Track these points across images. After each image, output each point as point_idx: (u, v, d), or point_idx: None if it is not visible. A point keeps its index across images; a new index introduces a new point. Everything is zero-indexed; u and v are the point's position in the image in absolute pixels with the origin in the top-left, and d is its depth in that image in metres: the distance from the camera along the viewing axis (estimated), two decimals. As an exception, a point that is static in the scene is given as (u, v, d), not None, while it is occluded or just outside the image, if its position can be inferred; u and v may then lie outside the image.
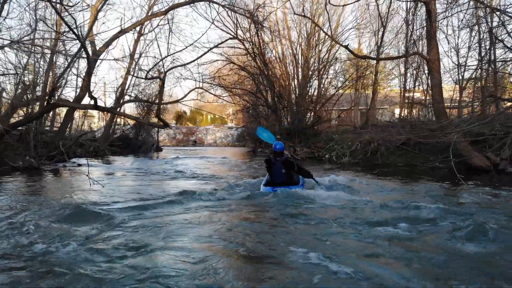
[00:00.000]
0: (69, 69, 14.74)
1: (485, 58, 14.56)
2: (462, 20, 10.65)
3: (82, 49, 14.17)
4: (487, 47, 14.22)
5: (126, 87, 20.55)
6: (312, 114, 21.15)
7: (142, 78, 11.66)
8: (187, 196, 5.47)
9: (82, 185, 7.01)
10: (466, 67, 15.58)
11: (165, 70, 11.66)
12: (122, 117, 20.04)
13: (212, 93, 15.65)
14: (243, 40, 19.10)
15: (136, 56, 19.45)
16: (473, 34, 15.21)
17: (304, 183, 6.24)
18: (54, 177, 9.27)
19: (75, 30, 6.34)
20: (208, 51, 13.87)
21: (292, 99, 21.24)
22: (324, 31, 11.43)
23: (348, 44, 9.05)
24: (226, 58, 20.13)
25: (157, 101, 19.57)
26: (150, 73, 15.04)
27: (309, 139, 17.32)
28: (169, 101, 16.59)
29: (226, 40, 14.91)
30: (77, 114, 22.62)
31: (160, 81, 11.28)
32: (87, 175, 5.94)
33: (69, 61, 13.18)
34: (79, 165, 11.38)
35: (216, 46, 14.56)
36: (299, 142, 17.29)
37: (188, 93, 12.72)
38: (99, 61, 14.97)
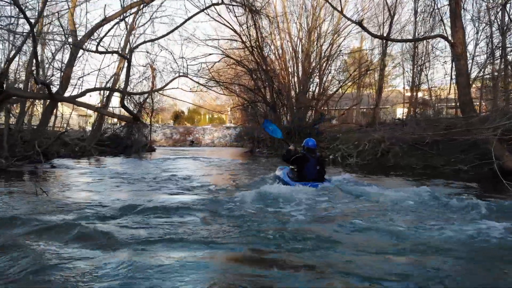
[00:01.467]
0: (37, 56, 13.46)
1: (497, 52, 13.40)
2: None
3: (71, 41, 13.36)
4: (499, 39, 13.10)
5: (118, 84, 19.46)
6: (313, 112, 20.00)
7: (93, 52, 10.22)
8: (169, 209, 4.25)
9: (31, 193, 5.66)
10: (475, 61, 14.42)
11: (132, 47, 10.33)
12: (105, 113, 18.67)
13: (196, 82, 14.31)
14: (240, 33, 17.93)
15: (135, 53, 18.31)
16: (481, 27, 14.15)
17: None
18: (12, 181, 7.94)
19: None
20: (185, 22, 12.21)
21: (292, 97, 20.07)
22: (332, 5, 9.83)
23: (362, 20, 7.77)
24: (222, 52, 18.94)
25: (148, 96, 18.43)
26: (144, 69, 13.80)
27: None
28: (148, 91, 15.25)
29: (209, 6, 13.15)
30: (75, 112, 21.57)
31: (125, 60, 9.82)
32: (36, 181, 4.68)
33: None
34: (53, 166, 10.13)
35: (195, 14, 12.69)
36: (299, 142, 16.09)
37: (170, 81, 11.53)
38: (87, 54, 14.06)
